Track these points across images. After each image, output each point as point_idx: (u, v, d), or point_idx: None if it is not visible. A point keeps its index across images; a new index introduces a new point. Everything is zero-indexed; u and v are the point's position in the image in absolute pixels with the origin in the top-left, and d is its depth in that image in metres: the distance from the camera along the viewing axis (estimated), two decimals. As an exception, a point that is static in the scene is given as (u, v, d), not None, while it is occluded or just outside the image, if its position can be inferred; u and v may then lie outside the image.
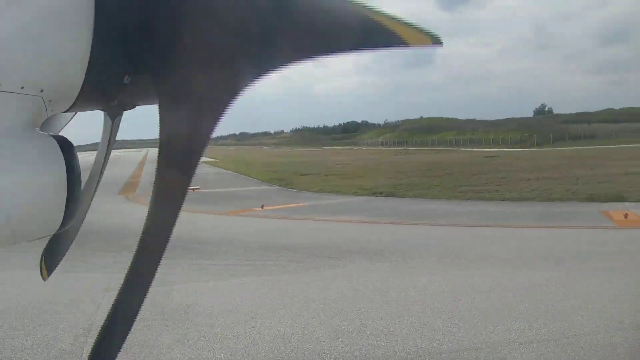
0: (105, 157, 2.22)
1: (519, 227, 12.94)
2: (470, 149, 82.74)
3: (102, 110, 2.05)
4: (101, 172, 2.24)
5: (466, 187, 22.36)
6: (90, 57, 1.49)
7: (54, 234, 1.77)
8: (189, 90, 1.44)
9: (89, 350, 1.57)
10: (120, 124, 2.22)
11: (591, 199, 17.17)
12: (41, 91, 1.49)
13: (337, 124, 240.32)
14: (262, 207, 17.42)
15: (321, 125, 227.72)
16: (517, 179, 24.56)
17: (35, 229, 1.60)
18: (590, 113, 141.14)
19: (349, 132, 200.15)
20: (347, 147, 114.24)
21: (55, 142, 1.59)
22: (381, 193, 21.47)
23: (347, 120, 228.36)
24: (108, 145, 2.20)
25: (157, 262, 1.52)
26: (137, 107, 2.07)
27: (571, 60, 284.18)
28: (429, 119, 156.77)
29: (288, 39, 1.37)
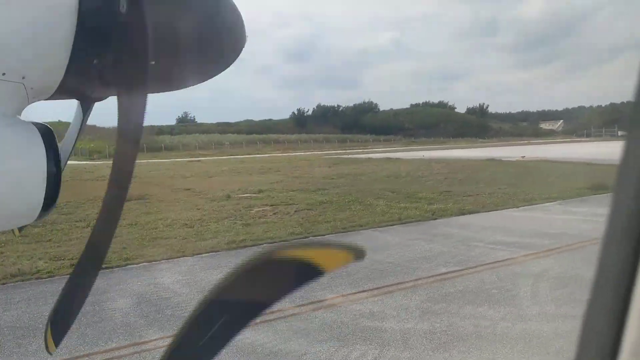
0: (73, 145, 2.13)
1: None
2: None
3: (78, 99, 2.02)
4: (67, 159, 2.12)
5: None
6: (74, 46, 1.49)
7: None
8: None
9: None
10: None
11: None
12: (23, 78, 1.49)
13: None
14: None
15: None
16: None
17: (13, 218, 1.60)
18: (230, 123, 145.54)
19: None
20: None
21: (36, 130, 1.58)
22: None
23: None
24: (78, 133, 2.13)
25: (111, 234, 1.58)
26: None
27: (262, 75, 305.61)
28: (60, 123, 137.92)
29: None
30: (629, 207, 0.59)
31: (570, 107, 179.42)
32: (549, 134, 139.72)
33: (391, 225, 14.07)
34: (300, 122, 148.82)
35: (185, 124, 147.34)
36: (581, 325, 0.62)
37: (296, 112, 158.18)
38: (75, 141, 2.12)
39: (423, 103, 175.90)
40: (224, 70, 1.97)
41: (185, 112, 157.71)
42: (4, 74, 1.42)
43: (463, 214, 15.79)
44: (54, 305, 1.82)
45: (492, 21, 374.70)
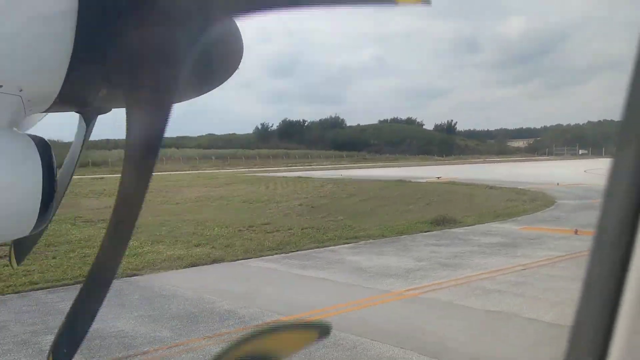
0: (77, 159, 2.15)
1: None
2: None
3: (77, 112, 2.03)
4: (72, 173, 2.19)
5: None
6: (71, 59, 1.48)
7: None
8: (146, 95, 1.53)
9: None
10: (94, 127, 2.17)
11: None
12: (20, 91, 1.48)
13: None
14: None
15: None
16: None
17: (8, 230, 1.58)
18: (191, 137, 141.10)
19: None
20: None
21: (32, 143, 1.57)
22: None
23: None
24: (81, 147, 2.14)
25: (119, 257, 1.55)
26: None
27: (246, 89, 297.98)
28: None
29: None
30: (617, 214, 0.61)
31: (548, 125, 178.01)
32: (515, 152, 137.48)
33: (58, 287, 9.91)
34: (263, 137, 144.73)
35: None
36: (570, 330, 0.62)
37: (260, 127, 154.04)
38: (79, 156, 2.07)
39: (391, 119, 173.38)
40: (220, 85, 1.98)
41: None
42: (1, 86, 1.41)
43: (193, 265, 11.67)
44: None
45: (473, 39, 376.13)
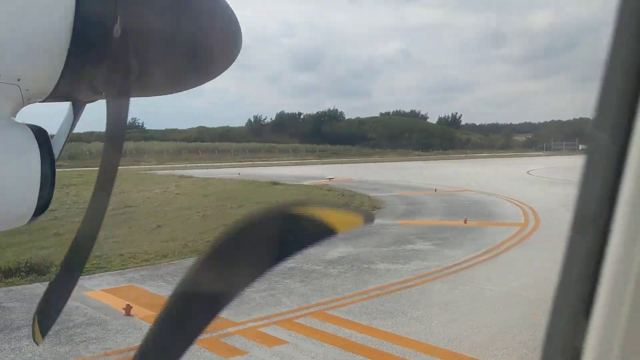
0: (62, 148, 2.00)
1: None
2: None
3: (74, 101, 1.98)
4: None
5: None
6: (70, 48, 1.47)
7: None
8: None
9: None
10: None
11: None
12: (18, 80, 1.46)
13: None
14: None
15: None
16: None
17: (6, 219, 1.56)
18: (180, 130, 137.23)
19: None
20: None
21: (30, 132, 1.57)
22: None
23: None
24: (68, 135, 2.04)
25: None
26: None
27: (271, 82, 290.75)
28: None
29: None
30: (592, 204, 0.60)
31: (572, 118, 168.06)
32: (519, 146, 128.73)
33: None
34: (256, 130, 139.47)
35: (131, 130, 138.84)
36: (546, 324, 0.64)
37: (252, 120, 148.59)
38: (65, 143, 2.03)
39: (394, 112, 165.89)
40: (218, 75, 1.97)
41: (134, 118, 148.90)
42: None
43: None
44: (40, 300, 1.87)
45: (499, 32, 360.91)
